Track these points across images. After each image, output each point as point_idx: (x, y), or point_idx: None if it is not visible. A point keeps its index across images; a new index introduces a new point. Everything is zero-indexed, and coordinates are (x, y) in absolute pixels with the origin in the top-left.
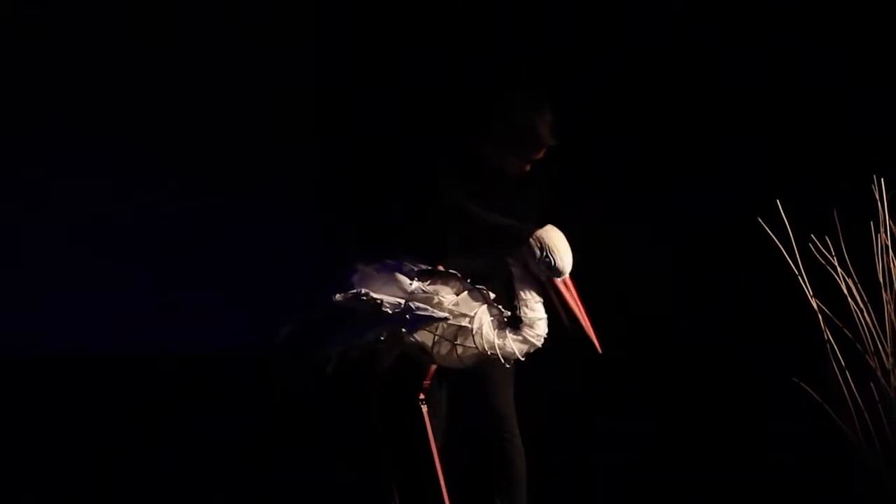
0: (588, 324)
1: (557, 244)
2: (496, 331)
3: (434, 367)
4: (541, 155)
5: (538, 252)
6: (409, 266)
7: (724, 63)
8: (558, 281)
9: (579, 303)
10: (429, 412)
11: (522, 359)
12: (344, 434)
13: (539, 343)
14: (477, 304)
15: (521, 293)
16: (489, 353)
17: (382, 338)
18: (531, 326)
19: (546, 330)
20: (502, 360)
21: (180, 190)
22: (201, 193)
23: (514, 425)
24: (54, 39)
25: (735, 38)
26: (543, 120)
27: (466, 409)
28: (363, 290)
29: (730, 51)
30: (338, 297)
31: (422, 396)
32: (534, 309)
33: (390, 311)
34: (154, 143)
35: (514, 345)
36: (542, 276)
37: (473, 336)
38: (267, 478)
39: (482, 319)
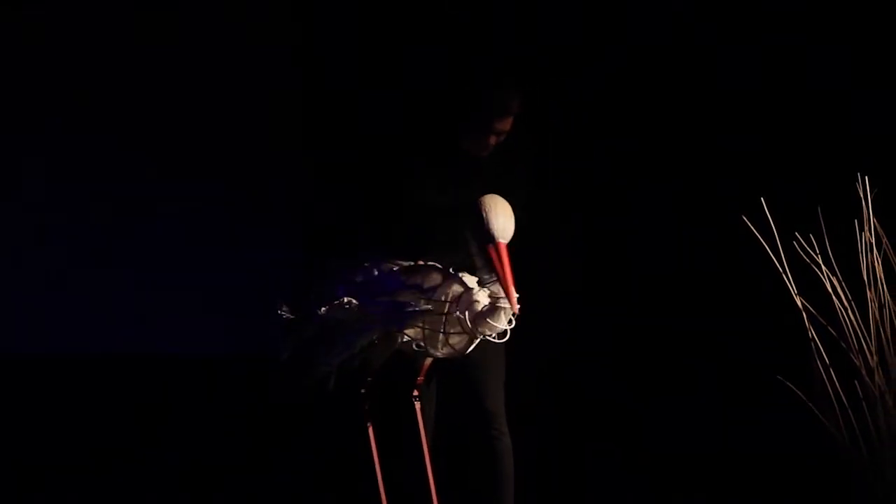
0: (511, 291)
1: (494, 210)
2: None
3: (428, 363)
4: (506, 126)
5: (475, 216)
6: (388, 265)
7: (724, 63)
8: (490, 247)
9: (507, 270)
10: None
11: (509, 315)
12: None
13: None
14: (458, 291)
15: (474, 255)
16: (477, 334)
17: (376, 340)
18: (492, 283)
19: None
20: (491, 333)
21: (180, 190)
22: (201, 193)
23: (503, 423)
24: (54, 39)
25: (735, 38)
26: (502, 87)
27: (456, 406)
28: (346, 298)
29: (730, 51)
30: (323, 310)
31: (416, 393)
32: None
33: (377, 313)
34: (154, 143)
35: (491, 311)
36: (478, 240)
37: (458, 320)
38: (267, 478)
39: (464, 304)
